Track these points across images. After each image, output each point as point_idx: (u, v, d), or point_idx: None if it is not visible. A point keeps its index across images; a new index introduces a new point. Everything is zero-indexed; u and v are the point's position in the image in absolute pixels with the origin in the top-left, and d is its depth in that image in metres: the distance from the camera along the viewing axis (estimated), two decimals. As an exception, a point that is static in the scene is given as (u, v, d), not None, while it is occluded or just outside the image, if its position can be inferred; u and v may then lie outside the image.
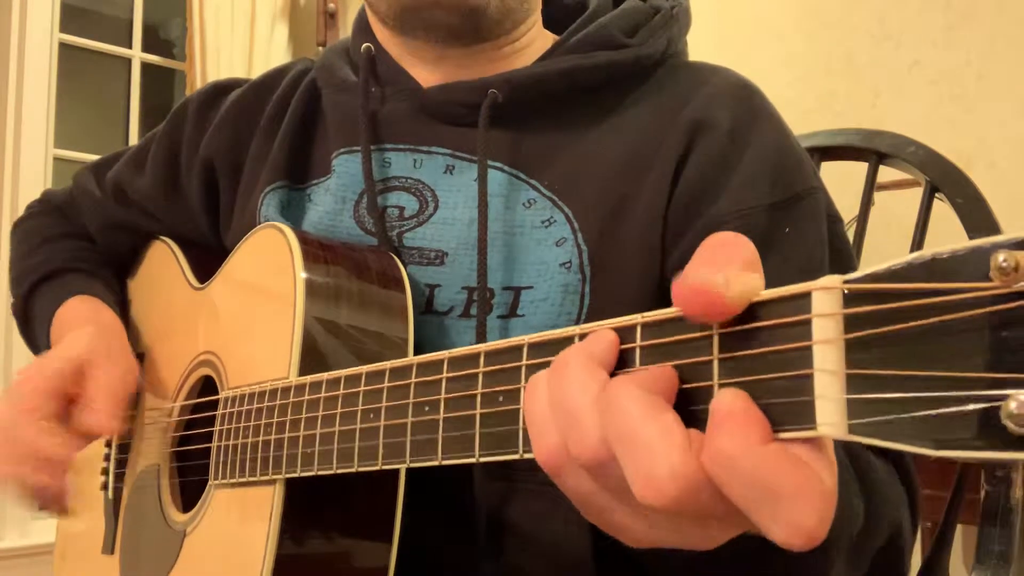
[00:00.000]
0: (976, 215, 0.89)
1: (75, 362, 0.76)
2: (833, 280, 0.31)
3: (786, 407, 0.32)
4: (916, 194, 0.97)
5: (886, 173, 1.03)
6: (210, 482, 0.70)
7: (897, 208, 1.47)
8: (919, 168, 0.95)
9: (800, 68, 2.36)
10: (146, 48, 3.09)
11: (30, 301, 0.92)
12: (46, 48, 2.68)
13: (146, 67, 3.10)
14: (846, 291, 0.31)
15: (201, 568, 0.69)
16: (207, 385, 0.77)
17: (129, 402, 0.78)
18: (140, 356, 0.89)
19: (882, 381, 0.29)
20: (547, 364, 0.40)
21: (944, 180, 0.93)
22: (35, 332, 0.91)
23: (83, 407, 0.74)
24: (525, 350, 0.42)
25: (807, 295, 0.32)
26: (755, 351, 0.33)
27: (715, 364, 0.35)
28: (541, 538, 0.66)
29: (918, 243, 0.98)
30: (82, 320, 0.85)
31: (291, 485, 0.60)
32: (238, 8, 3.00)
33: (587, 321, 0.66)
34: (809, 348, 0.31)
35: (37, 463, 0.70)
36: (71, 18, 2.85)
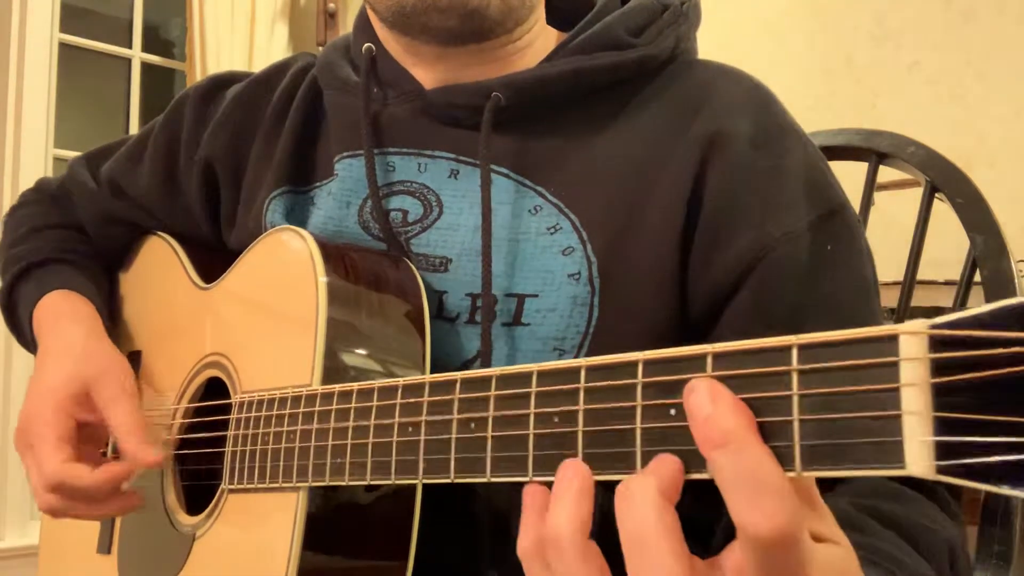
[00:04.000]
0: (976, 215, 0.89)
1: (75, 386, 0.77)
2: (918, 325, 0.32)
3: (872, 447, 0.33)
4: (916, 194, 0.97)
5: (886, 173, 1.03)
6: (223, 486, 0.69)
7: (897, 208, 1.47)
8: (919, 168, 0.95)
9: (800, 68, 2.36)
10: (146, 48, 3.09)
11: (14, 291, 0.91)
12: (46, 48, 2.67)
13: (146, 67, 3.10)
14: (932, 336, 0.32)
15: (213, 572, 0.69)
16: (212, 387, 0.77)
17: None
18: (137, 354, 0.89)
19: (969, 425, 0.30)
20: (604, 389, 0.41)
21: (944, 180, 0.93)
22: (20, 322, 0.90)
23: (120, 442, 0.75)
24: (583, 373, 0.42)
25: (894, 338, 0.32)
26: (837, 389, 0.34)
27: (795, 400, 0.35)
28: None
29: (918, 243, 0.98)
30: (62, 317, 0.84)
31: (313, 493, 0.60)
32: (238, 8, 3.00)
33: (596, 333, 0.66)
34: (896, 390, 0.32)
35: (85, 500, 0.74)
36: (71, 18, 2.84)
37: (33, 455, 0.75)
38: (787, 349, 0.35)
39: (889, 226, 1.56)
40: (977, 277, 0.88)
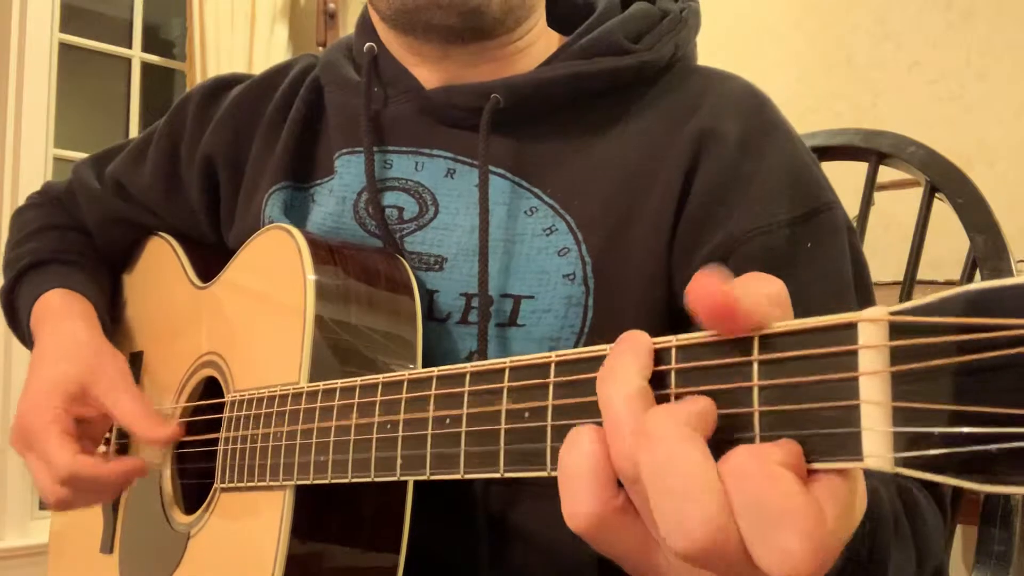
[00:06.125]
0: (976, 215, 0.89)
1: (71, 382, 0.77)
2: (879, 312, 0.31)
3: (831, 438, 0.32)
4: (916, 194, 0.97)
5: (886, 173, 1.03)
6: (216, 485, 0.69)
7: (897, 208, 1.47)
8: (919, 168, 0.95)
9: (800, 68, 2.36)
10: (146, 48, 3.09)
11: (15, 290, 0.92)
12: (46, 48, 2.67)
13: (146, 67, 3.10)
14: (892, 323, 0.31)
15: (206, 571, 0.69)
16: (209, 386, 0.77)
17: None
18: (139, 355, 0.89)
19: (929, 415, 0.29)
20: (573, 383, 0.40)
21: (944, 180, 0.93)
22: (20, 322, 0.91)
23: (130, 428, 0.75)
24: (552, 368, 0.42)
25: (853, 326, 0.31)
26: (798, 379, 0.33)
27: (755, 391, 0.34)
28: (543, 541, 0.66)
29: (918, 243, 0.98)
30: (59, 315, 0.85)
31: (301, 490, 0.60)
32: (238, 8, 3.00)
33: (590, 333, 0.66)
34: (855, 379, 0.31)
35: (97, 490, 0.75)
36: (71, 18, 2.84)
37: (38, 453, 0.75)
38: (748, 339, 0.35)
39: (889, 226, 1.56)
40: (977, 277, 0.88)
